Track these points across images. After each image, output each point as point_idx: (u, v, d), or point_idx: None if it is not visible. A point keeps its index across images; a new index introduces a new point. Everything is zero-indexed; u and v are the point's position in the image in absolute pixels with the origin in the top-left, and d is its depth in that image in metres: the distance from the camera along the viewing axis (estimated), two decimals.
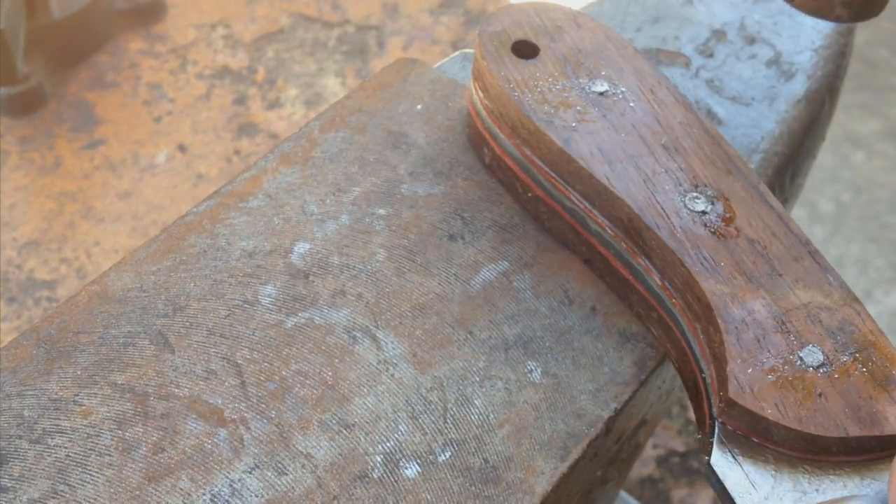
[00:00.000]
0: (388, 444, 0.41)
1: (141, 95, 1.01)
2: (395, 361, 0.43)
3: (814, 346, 0.40)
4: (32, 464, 0.39)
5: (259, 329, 0.43)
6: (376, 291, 0.45)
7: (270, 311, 0.44)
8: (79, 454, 0.40)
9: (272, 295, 0.45)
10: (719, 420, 0.39)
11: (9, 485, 0.39)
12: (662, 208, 0.43)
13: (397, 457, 0.40)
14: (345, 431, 0.41)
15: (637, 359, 0.44)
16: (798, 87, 0.57)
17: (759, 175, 0.53)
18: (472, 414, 0.42)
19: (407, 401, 0.42)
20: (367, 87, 0.54)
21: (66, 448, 0.40)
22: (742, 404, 0.38)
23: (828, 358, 0.40)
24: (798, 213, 1.75)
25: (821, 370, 0.39)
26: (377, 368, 0.43)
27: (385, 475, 0.40)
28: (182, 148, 0.98)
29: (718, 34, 0.59)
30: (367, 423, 0.41)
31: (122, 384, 0.42)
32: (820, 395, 0.39)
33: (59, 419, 0.40)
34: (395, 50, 1.07)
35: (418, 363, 0.43)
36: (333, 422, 0.41)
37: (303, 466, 0.40)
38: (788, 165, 0.55)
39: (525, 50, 0.49)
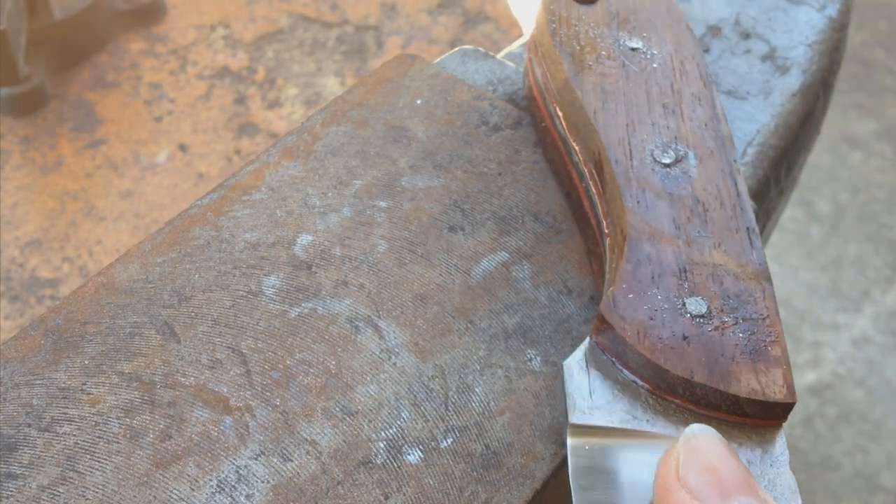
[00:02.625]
0: (390, 431, 0.41)
1: (142, 95, 1.02)
2: (397, 350, 0.44)
3: (702, 298, 0.41)
4: (42, 451, 0.40)
5: (263, 319, 0.44)
6: (378, 282, 0.46)
7: (274, 302, 0.45)
8: (87, 442, 0.40)
9: (276, 286, 0.45)
10: (591, 336, 0.41)
11: (19, 472, 0.39)
12: (630, 150, 0.46)
13: (400, 443, 0.41)
14: (348, 419, 0.41)
15: None
16: (793, 81, 0.58)
17: (754, 167, 0.53)
18: (473, 401, 0.42)
19: (409, 389, 0.43)
20: (368, 83, 0.55)
21: (74, 436, 0.40)
22: (608, 321, 0.40)
23: (710, 313, 0.41)
24: (796, 213, 1.75)
25: (697, 321, 0.41)
26: (379, 357, 0.43)
27: (388, 461, 0.40)
28: (183, 147, 0.98)
29: (714, 29, 0.60)
30: (370, 410, 0.42)
31: (129, 373, 0.42)
32: (685, 337, 0.40)
33: (68, 407, 0.41)
34: (393, 50, 1.08)
35: (420, 352, 0.44)
36: (337, 409, 0.42)
37: (307, 453, 0.40)
38: (784, 158, 0.55)
39: None
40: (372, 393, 0.42)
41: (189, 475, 0.40)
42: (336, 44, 1.08)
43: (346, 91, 0.54)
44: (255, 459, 0.40)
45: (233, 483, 0.39)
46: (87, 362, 0.42)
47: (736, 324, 0.41)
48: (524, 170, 0.51)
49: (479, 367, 0.43)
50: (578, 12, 0.51)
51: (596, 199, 0.47)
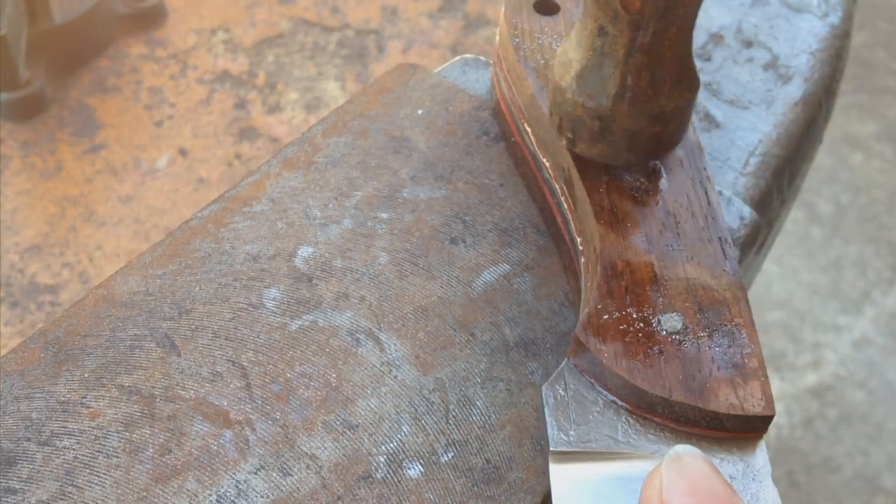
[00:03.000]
0: (391, 445, 0.41)
1: (142, 100, 1.02)
2: (397, 363, 0.43)
3: (677, 314, 0.41)
4: (41, 465, 0.40)
5: (264, 332, 0.44)
6: (379, 294, 0.46)
7: (275, 314, 0.45)
8: (86, 456, 0.40)
9: (276, 298, 0.45)
10: (569, 358, 0.41)
11: (17, 486, 0.39)
12: (611, 168, 0.45)
13: (400, 457, 0.41)
14: (349, 432, 0.41)
15: None
16: (795, 90, 0.57)
17: (756, 177, 0.53)
18: (474, 415, 0.42)
19: (410, 402, 0.42)
20: (369, 92, 0.54)
21: (73, 450, 0.40)
22: (584, 344, 0.40)
23: (686, 328, 0.41)
24: (796, 215, 1.75)
25: (672, 337, 0.40)
26: (380, 370, 0.43)
27: (388, 475, 0.40)
28: (183, 152, 0.98)
29: (716, 38, 0.59)
30: (371, 424, 0.42)
31: (129, 386, 0.42)
32: (661, 353, 0.40)
33: (67, 421, 0.41)
34: (394, 54, 1.08)
35: (421, 365, 0.44)
36: (337, 423, 0.41)
37: (307, 467, 0.40)
38: (786, 168, 0.55)
39: (548, 6, 0.51)
40: (372, 406, 0.42)
41: (188, 490, 0.39)
42: (337, 48, 1.08)
43: (347, 101, 0.54)
44: (255, 474, 0.40)
45: (232, 498, 0.39)
46: (86, 375, 0.42)
47: (711, 338, 0.40)
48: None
49: (480, 381, 0.43)
50: (541, 24, 0.51)
51: (568, 215, 0.46)
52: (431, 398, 0.43)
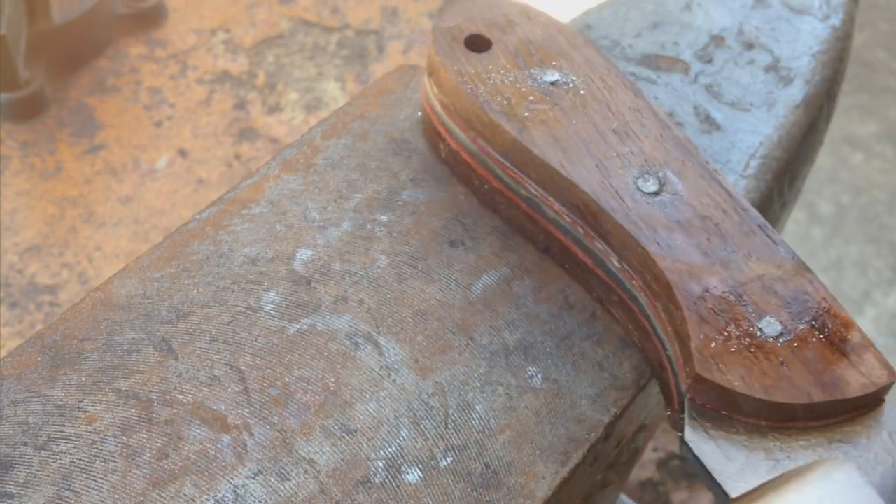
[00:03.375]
0: (389, 450, 0.41)
1: (142, 100, 1.02)
2: (396, 367, 0.43)
3: (771, 316, 0.41)
4: (37, 470, 0.40)
5: (262, 335, 0.44)
6: (378, 298, 0.45)
7: (273, 318, 0.44)
8: (83, 460, 0.40)
9: (275, 301, 0.45)
10: (688, 396, 0.40)
11: (14, 491, 0.39)
12: (616, 192, 0.44)
13: (399, 462, 0.41)
14: (347, 437, 0.41)
15: (637, 364, 0.45)
16: (796, 92, 0.57)
17: (757, 180, 0.53)
18: (474, 419, 0.42)
19: (408, 406, 0.42)
20: (369, 94, 0.54)
21: (70, 454, 0.40)
22: (709, 379, 0.39)
23: (786, 327, 0.41)
24: (797, 215, 1.75)
25: (780, 339, 0.40)
26: (379, 374, 0.43)
27: (387, 480, 0.40)
28: (183, 153, 0.98)
29: (717, 40, 0.59)
30: (369, 428, 0.41)
31: (126, 391, 0.42)
32: (782, 363, 0.40)
33: (64, 425, 0.41)
34: (394, 54, 1.08)
35: (420, 369, 0.43)
36: (336, 427, 0.41)
37: (305, 472, 0.40)
38: (787, 170, 0.55)
39: (478, 44, 0.49)
40: (371, 411, 0.42)
41: (186, 495, 0.39)
42: (337, 48, 1.08)
43: (347, 103, 0.54)
44: (253, 479, 0.40)
45: (230, 503, 0.39)
46: (84, 379, 0.42)
47: (811, 328, 0.41)
48: None
49: (479, 385, 0.43)
50: (484, 64, 0.49)
51: (596, 248, 0.45)
52: (430, 402, 0.42)
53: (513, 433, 0.42)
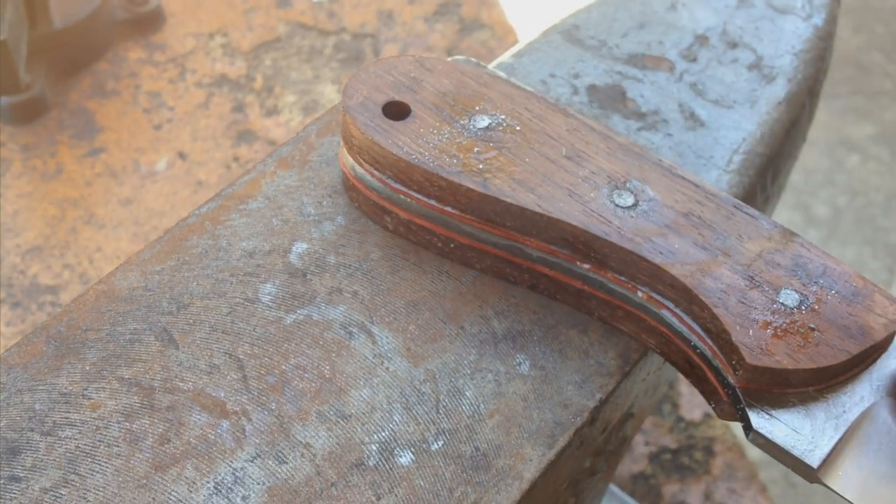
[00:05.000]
0: (383, 434, 0.42)
1: (141, 103, 1.03)
2: (389, 355, 0.45)
3: (786, 288, 0.43)
4: (44, 455, 0.41)
5: (259, 325, 0.45)
6: (371, 289, 0.47)
7: (270, 309, 0.46)
8: (88, 445, 0.41)
9: (272, 293, 0.46)
10: (739, 386, 0.42)
11: (22, 475, 0.40)
12: (600, 215, 0.45)
13: (392, 445, 0.42)
14: (342, 422, 0.43)
15: (621, 351, 0.46)
16: (778, 89, 0.59)
17: (741, 175, 0.55)
18: (464, 404, 0.44)
19: (401, 392, 0.44)
20: None
21: (75, 440, 0.41)
22: (763, 366, 0.41)
23: (802, 295, 0.43)
24: (793, 217, 1.76)
25: (802, 307, 0.43)
26: (372, 362, 0.44)
27: (380, 463, 0.42)
28: (182, 155, 0.99)
29: (701, 39, 0.61)
30: (364, 413, 0.43)
31: (128, 378, 0.43)
32: (813, 329, 0.42)
33: (69, 412, 0.42)
34: None
35: (412, 357, 0.45)
36: (331, 413, 0.43)
37: (302, 455, 0.42)
38: (769, 166, 0.57)
39: (395, 110, 0.48)
40: (365, 397, 0.43)
41: (187, 477, 0.41)
42: (333, 51, 1.10)
43: (341, 102, 0.55)
44: (252, 462, 0.41)
45: (229, 485, 0.40)
46: (88, 368, 0.44)
47: (821, 287, 0.43)
48: None
49: (469, 372, 0.45)
50: (413, 128, 0.47)
51: (592, 272, 0.45)
52: (422, 389, 0.44)
53: (501, 417, 0.43)
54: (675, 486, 0.84)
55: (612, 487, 0.81)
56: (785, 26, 0.62)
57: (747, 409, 0.42)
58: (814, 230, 1.78)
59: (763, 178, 0.56)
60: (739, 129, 0.56)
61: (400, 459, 0.42)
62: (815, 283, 0.43)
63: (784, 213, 1.76)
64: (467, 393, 0.44)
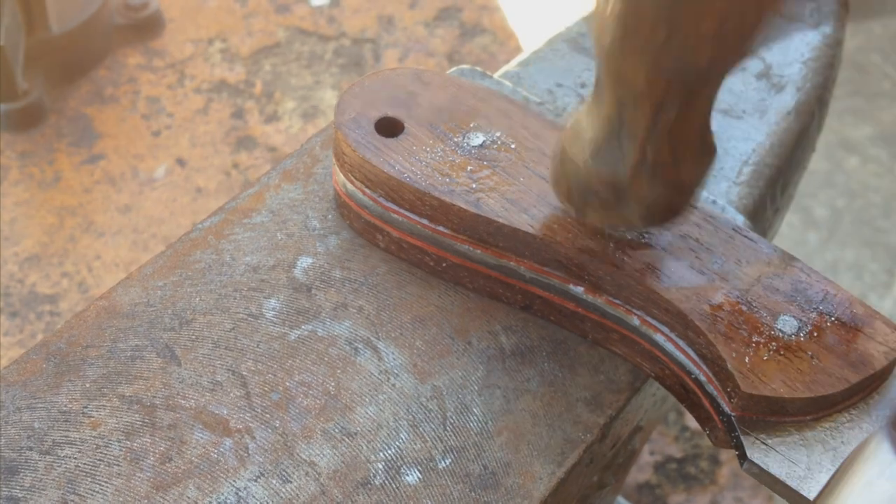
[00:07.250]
0: (389, 452, 0.42)
1: (139, 110, 1.02)
2: (395, 371, 0.44)
3: (784, 314, 0.42)
4: (43, 474, 0.40)
5: (263, 341, 0.45)
6: (377, 304, 0.46)
7: (274, 324, 0.45)
8: (88, 464, 0.41)
9: (276, 308, 0.46)
10: (734, 414, 0.41)
11: (20, 495, 0.40)
12: (596, 236, 0.44)
13: (398, 464, 0.41)
14: (347, 440, 0.42)
15: (632, 367, 0.45)
16: (788, 99, 0.58)
17: (750, 187, 0.54)
18: (472, 421, 0.43)
19: (407, 409, 0.43)
20: None
21: (75, 459, 0.41)
22: (758, 394, 0.40)
23: (801, 321, 0.42)
24: (792, 219, 1.76)
25: (801, 334, 0.42)
26: (378, 378, 0.44)
27: (387, 482, 0.41)
28: (181, 162, 0.99)
29: None
30: (369, 431, 0.42)
31: (129, 396, 0.43)
32: (811, 356, 0.41)
33: (69, 431, 0.41)
34: (390, 62, 1.09)
35: (418, 373, 0.44)
36: (336, 430, 0.42)
37: (307, 474, 0.41)
38: (779, 177, 0.56)
39: (388, 126, 0.47)
40: (371, 414, 0.43)
41: (189, 497, 0.40)
42: (333, 57, 1.09)
43: (334, 117, 0.55)
44: (255, 481, 0.40)
45: None
46: (88, 385, 0.43)
47: (821, 313, 0.42)
48: None
49: (477, 388, 0.44)
50: (405, 146, 0.46)
51: (587, 295, 0.44)
52: (429, 406, 0.43)
53: (510, 435, 0.43)
54: (681, 496, 0.83)
55: (619, 499, 0.80)
56: (794, 34, 0.61)
57: (742, 438, 0.41)
58: (813, 232, 1.77)
59: (773, 190, 0.56)
60: (749, 139, 0.56)
61: (406, 478, 0.41)
62: (815, 309, 0.42)
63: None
64: (475, 410, 0.43)
